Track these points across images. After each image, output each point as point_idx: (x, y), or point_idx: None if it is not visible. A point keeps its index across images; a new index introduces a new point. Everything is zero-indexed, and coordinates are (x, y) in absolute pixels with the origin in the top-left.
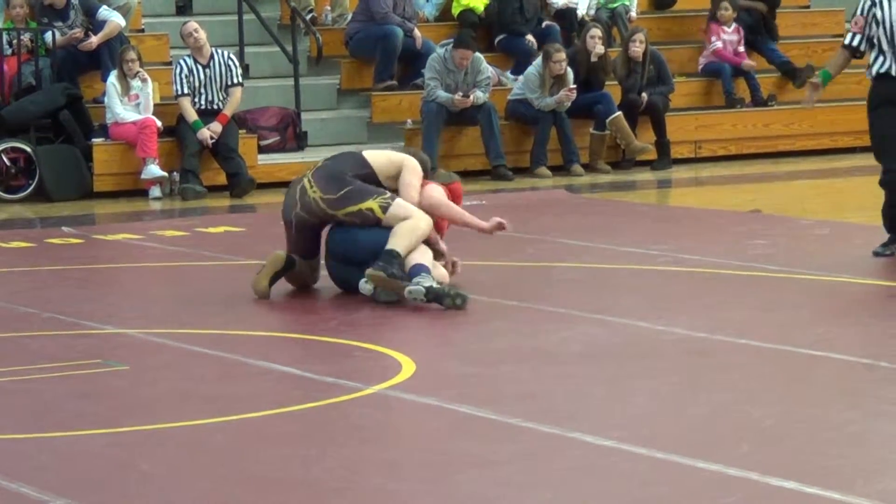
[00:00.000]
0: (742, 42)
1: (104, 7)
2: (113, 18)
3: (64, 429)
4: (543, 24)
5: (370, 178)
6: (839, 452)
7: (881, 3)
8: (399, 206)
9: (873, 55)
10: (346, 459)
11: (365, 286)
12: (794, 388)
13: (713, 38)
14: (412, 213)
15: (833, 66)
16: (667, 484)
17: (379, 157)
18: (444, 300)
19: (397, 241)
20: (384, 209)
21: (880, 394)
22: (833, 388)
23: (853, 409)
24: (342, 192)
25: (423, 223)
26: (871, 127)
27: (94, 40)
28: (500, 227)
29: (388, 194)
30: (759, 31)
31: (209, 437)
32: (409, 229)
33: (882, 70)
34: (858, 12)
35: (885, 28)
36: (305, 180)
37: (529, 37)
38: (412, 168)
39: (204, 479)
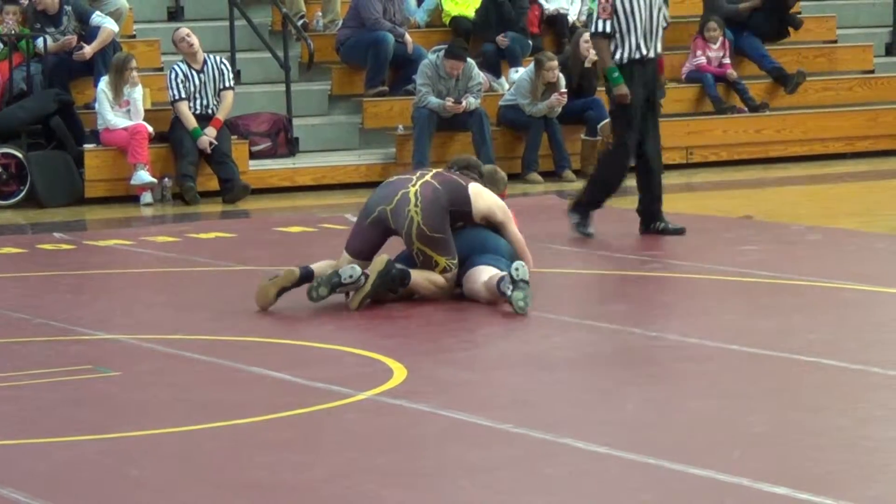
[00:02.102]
0: (727, 55)
1: (97, 13)
2: (106, 25)
3: (55, 435)
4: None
5: (466, 216)
6: (831, 458)
7: None
8: (451, 280)
9: None
10: (338, 465)
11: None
12: (786, 394)
13: (698, 52)
14: (449, 286)
15: None
16: (658, 490)
17: (481, 199)
18: (515, 291)
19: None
20: (444, 271)
21: (872, 399)
22: (825, 394)
23: (845, 415)
24: (436, 235)
25: (444, 294)
26: None
27: (88, 50)
28: None
29: (455, 261)
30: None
31: (200, 444)
32: (437, 284)
33: None
34: None
35: None
36: (413, 191)
37: (500, 38)
38: (510, 218)
39: (195, 485)
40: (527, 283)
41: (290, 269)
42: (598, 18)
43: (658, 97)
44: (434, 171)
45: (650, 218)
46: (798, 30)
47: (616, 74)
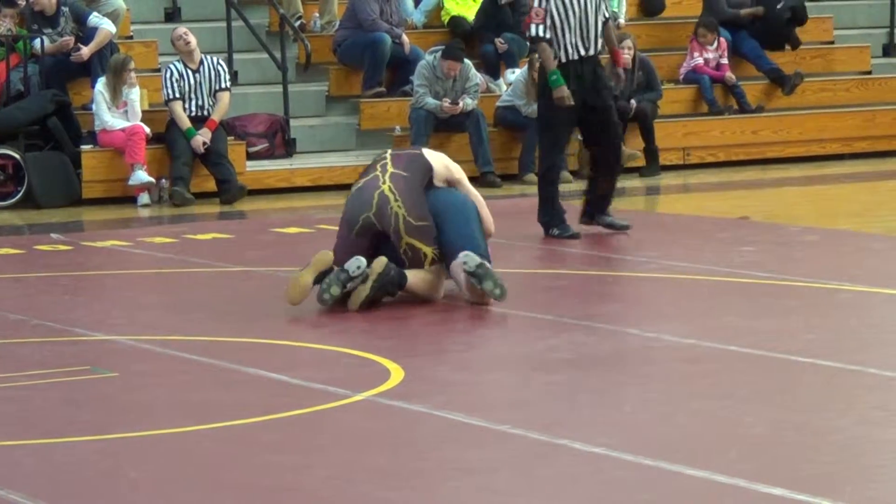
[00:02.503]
0: (725, 55)
1: (94, 14)
2: (104, 26)
3: (52, 436)
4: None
5: (430, 183)
6: (828, 459)
7: None
8: (439, 271)
9: None
10: (335, 466)
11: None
12: (783, 395)
13: (695, 54)
14: (440, 280)
15: None
16: (655, 491)
17: (439, 162)
18: (484, 282)
19: (417, 281)
20: (433, 262)
21: (869, 400)
22: (822, 395)
23: (842, 416)
24: (421, 223)
25: (439, 294)
26: None
27: (86, 51)
28: None
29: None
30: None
31: (198, 444)
32: (431, 284)
33: None
34: None
35: None
36: (385, 188)
37: (499, 41)
38: (463, 174)
39: (192, 486)
40: (482, 265)
41: (322, 252)
42: (532, 24)
43: (606, 95)
44: (389, 154)
45: (596, 210)
46: (795, 49)
47: (555, 77)
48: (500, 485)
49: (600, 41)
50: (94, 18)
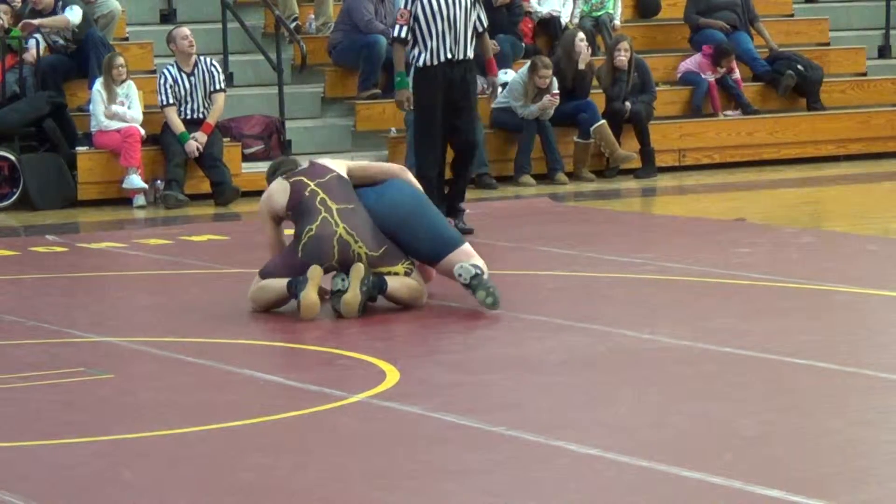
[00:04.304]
0: (736, 71)
1: (70, 7)
2: (67, 14)
3: (48, 437)
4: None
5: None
6: (823, 461)
7: None
8: (417, 276)
9: None
10: (331, 468)
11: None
12: (779, 397)
13: (707, 73)
14: (423, 287)
15: None
16: (651, 492)
17: (341, 166)
18: (477, 292)
19: (399, 286)
20: (407, 274)
21: (865, 402)
22: (817, 397)
23: (837, 418)
24: (382, 249)
25: (423, 299)
26: None
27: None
28: None
29: (409, 260)
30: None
31: (193, 446)
32: (414, 289)
33: None
34: None
35: None
36: (341, 230)
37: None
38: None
39: (188, 488)
40: (476, 276)
41: (312, 269)
42: (396, 24)
43: (471, 100)
44: (305, 179)
45: (448, 212)
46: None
47: (399, 79)
48: (496, 486)
49: (470, 48)
50: (69, 10)
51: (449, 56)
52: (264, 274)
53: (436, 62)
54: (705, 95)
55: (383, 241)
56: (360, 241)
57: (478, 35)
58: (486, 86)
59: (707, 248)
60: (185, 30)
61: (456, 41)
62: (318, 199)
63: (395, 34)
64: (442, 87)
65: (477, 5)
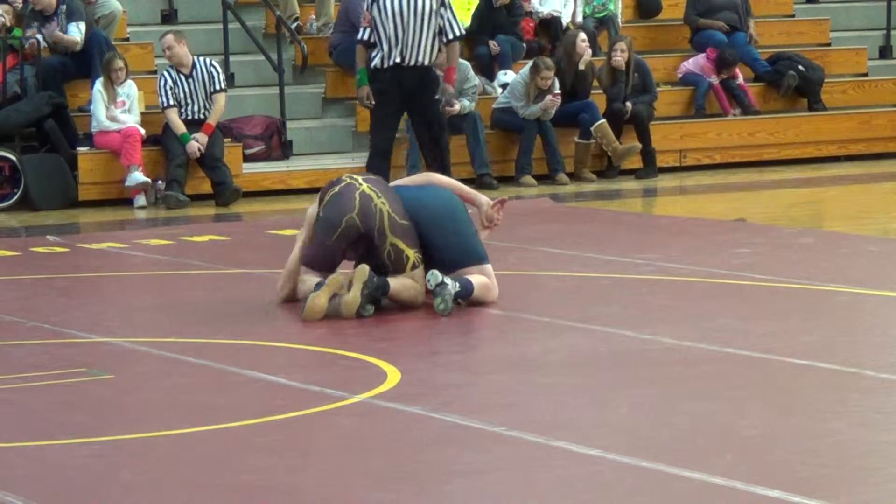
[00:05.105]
0: (740, 77)
1: (74, 24)
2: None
3: (48, 438)
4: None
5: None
6: (824, 462)
7: None
8: (420, 273)
9: None
10: (331, 469)
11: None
12: (779, 398)
13: (711, 77)
14: (421, 287)
15: None
16: (651, 493)
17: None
18: (435, 298)
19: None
20: (415, 266)
21: (865, 403)
22: (818, 397)
23: (838, 418)
24: (405, 223)
25: (420, 299)
26: None
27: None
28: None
29: (419, 251)
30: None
31: (194, 447)
32: (415, 290)
33: None
34: None
35: None
36: (365, 187)
37: (493, 43)
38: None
39: (188, 488)
40: (441, 284)
41: (333, 278)
42: (361, 27)
43: (424, 105)
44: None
45: None
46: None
47: (358, 77)
48: (496, 487)
49: (426, 53)
50: (73, 27)
51: (398, 60)
52: (304, 260)
53: (386, 65)
54: (706, 95)
55: (407, 217)
56: (384, 199)
57: (448, 42)
58: (442, 93)
59: (708, 248)
60: (169, 38)
61: (406, 46)
62: (347, 178)
63: (359, 36)
64: (393, 90)
65: (445, 12)
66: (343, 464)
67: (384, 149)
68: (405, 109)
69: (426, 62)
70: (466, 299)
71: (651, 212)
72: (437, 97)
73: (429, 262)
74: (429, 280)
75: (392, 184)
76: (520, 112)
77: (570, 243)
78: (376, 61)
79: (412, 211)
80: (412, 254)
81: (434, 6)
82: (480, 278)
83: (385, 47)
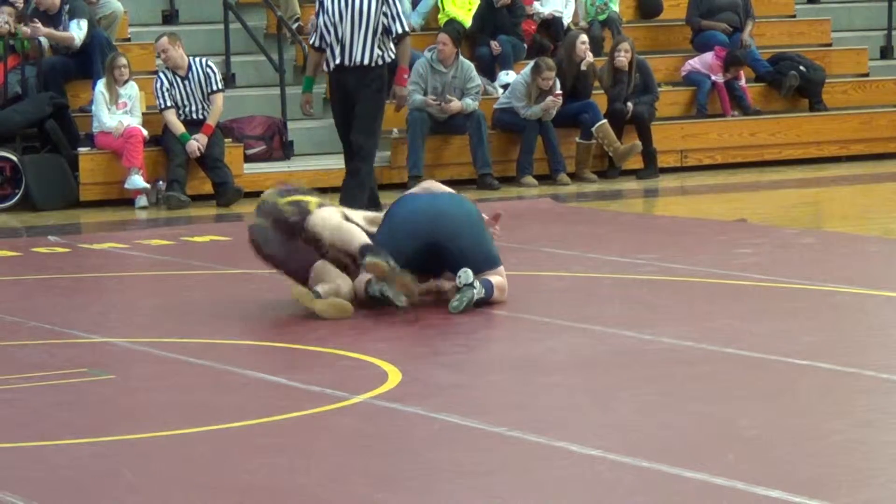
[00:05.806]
0: (742, 78)
1: (74, 21)
2: (72, 32)
3: (49, 438)
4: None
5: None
6: (825, 461)
7: None
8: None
9: None
10: (333, 469)
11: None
12: (780, 398)
13: (716, 75)
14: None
15: None
16: (653, 493)
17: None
18: (455, 295)
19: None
20: (321, 206)
21: (866, 403)
22: (819, 398)
23: (839, 419)
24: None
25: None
26: None
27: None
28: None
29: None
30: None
31: (195, 447)
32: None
33: None
34: None
35: None
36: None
37: (494, 43)
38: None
39: (189, 488)
40: (471, 287)
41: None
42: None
43: (364, 106)
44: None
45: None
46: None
47: (304, 84)
48: (497, 487)
49: (364, 53)
50: (74, 25)
51: (337, 62)
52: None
53: (330, 68)
54: (709, 95)
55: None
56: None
57: (396, 41)
58: (393, 95)
59: (709, 248)
60: (163, 41)
61: (345, 47)
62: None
63: (310, 41)
64: (339, 91)
65: (389, 9)
66: (343, 464)
67: (346, 143)
68: (347, 109)
69: (365, 62)
70: (482, 304)
71: (652, 212)
72: (375, 98)
73: (448, 269)
74: (459, 276)
75: (405, 193)
76: (521, 112)
77: (571, 243)
78: (326, 64)
79: (432, 220)
80: (310, 199)
81: (375, 5)
82: (497, 278)
83: (328, 50)
